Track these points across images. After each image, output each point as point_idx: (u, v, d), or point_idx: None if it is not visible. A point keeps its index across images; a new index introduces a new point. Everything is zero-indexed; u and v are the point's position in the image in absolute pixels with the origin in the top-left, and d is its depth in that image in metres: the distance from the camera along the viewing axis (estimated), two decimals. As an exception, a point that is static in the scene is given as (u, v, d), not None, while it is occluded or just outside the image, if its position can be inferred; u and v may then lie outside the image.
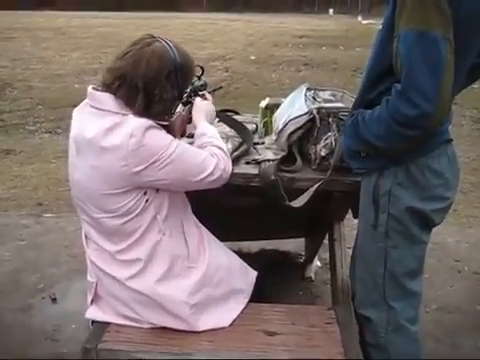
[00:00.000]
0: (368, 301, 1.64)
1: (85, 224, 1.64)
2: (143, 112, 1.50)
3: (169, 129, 1.59)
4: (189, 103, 1.77)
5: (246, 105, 6.73)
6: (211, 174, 1.57)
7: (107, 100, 1.51)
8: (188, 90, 1.73)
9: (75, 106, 1.66)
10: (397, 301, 1.58)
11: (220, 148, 1.64)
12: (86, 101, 1.58)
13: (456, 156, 1.56)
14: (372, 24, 20.79)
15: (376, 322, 1.61)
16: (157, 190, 1.55)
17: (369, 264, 1.61)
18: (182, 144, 1.57)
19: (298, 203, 1.74)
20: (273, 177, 1.76)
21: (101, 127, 1.47)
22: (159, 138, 1.50)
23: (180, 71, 1.55)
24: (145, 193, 1.53)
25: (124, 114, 1.49)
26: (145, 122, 1.47)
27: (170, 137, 1.53)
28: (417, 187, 1.47)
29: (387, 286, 1.57)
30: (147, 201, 1.53)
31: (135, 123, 1.46)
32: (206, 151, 1.61)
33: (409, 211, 1.48)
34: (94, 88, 1.57)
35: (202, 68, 1.89)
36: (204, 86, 1.91)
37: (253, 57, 12.63)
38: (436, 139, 1.45)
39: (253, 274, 1.85)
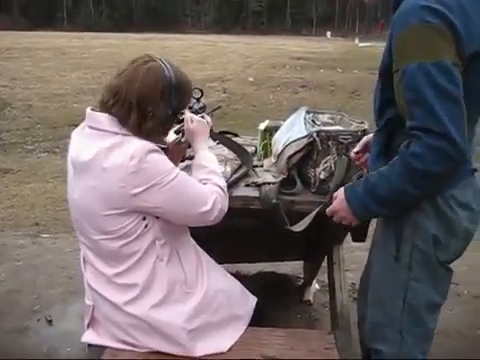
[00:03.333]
0: (380, 335, 1.57)
1: (83, 247, 1.63)
2: (136, 129, 1.49)
3: (167, 153, 1.58)
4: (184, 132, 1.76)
5: (244, 126, 6.79)
6: (209, 211, 1.55)
7: (106, 120, 1.51)
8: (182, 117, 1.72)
9: (74, 126, 1.67)
10: (413, 334, 1.52)
11: (219, 186, 1.62)
12: (84, 123, 1.58)
13: (479, 187, 1.52)
14: (369, 47, 21.05)
15: (388, 354, 1.55)
16: (157, 217, 1.54)
17: (386, 297, 1.54)
18: (184, 175, 1.55)
19: (299, 227, 1.73)
20: (274, 201, 1.76)
21: (101, 147, 1.47)
22: (160, 163, 1.49)
23: (175, 90, 1.55)
24: (144, 218, 1.51)
25: (124, 134, 1.49)
26: (147, 145, 1.47)
27: (172, 165, 1.52)
28: (443, 218, 1.43)
29: (405, 320, 1.51)
30: (146, 226, 1.52)
31: (137, 145, 1.46)
32: (207, 188, 1.59)
33: (434, 242, 1.44)
34: (92, 109, 1.57)
35: (201, 91, 1.89)
36: (203, 108, 1.91)
37: (251, 79, 12.74)
38: (462, 169, 1.40)
39: (253, 300, 1.82)
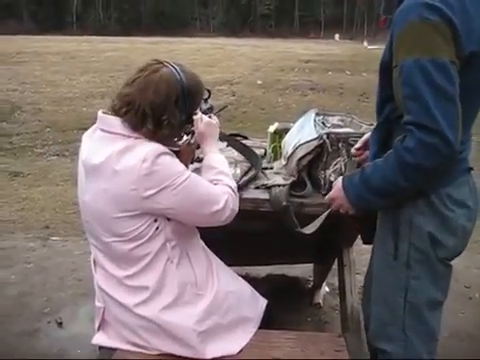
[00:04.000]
0: (384, 334, 1.57)
1: (94, 249, 1.64)
2: (151, 135, 1.50)
3: (178, 155, 1.59)
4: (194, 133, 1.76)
5: (253, 129, 6.79)
6: (222, 210, 1.56)
7: (118, 124, 1.51)
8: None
9: (83, 129, 1.67)
10: (416, 333, 1.52)
11: (230, 187, 1.63)
12: (96, 125, 1.58)
13: (475, 185, 1.52)
14: (377, 49, 20.99)
15: (394, 355, 1.55)
16: (168, 219, 1.54)
17: (387, 296, 1.55)
18: (195, 176, 1.56)
19: (309, 230, 1.72)
20: (285, 203, 1.76)
21: (113, 150, 1.47)
22: (171, 165, 1.50)
23: (188, 95, 1.55)
24: (155, 220, 1.52)
25: (136, 138, 1.49)
26: (159, 148, 1.47)
27: (183, 166, 1.53)
28: (438, 216, 1.44)
29: (407, 318, 1.51)
30: (157, 228, 1.52)
31: (149, 148, 1.46)
32: (218, 188, 1.60)
33: (431, 240, 1.44)
34: (104, 112, 1.58)
35: (209, 91, 1.89)
36: (210, 109, 1.91)
37: (260, 81, 12.76)
38: (457, 168, 1.42)
39: (263, 302, 1.82)
